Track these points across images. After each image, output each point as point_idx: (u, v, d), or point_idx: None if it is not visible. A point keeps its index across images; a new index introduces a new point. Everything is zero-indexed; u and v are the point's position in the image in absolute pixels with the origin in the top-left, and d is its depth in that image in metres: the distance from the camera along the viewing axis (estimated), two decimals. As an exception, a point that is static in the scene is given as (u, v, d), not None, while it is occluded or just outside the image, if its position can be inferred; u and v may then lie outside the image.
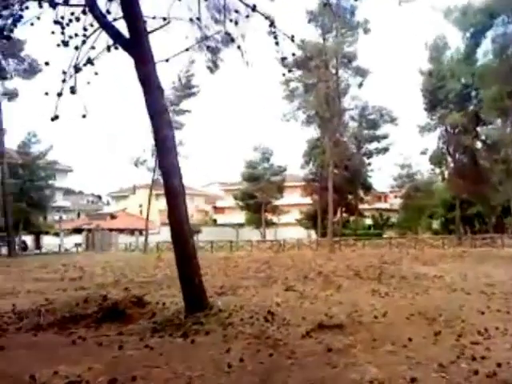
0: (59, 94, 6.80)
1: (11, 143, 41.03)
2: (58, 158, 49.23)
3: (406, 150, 55.47)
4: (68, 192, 77.64)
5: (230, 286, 12.28)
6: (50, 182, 44.03)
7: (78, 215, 76.18)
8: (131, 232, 51.18)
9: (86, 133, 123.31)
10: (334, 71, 38.21)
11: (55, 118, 6.82)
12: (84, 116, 6.93)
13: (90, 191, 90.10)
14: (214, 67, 12.92)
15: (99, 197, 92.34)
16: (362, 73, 41.09)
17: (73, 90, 6.77)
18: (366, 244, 35.66)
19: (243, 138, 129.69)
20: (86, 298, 8.44)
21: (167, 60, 7.96)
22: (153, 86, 7.18)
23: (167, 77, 40.69)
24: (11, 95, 36.77)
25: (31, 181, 39.96)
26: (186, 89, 40.58)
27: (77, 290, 12.56)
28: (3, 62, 35.41)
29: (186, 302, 7.53)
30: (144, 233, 41.58)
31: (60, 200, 74.01)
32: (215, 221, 76.78)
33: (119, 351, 5.75)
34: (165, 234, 47.75)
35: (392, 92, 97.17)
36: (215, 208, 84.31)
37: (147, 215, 40.40)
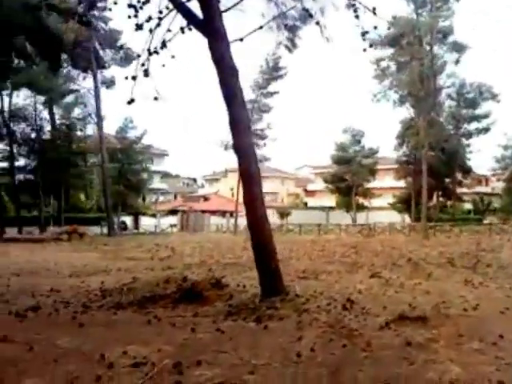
0: (133, 78, 6.87)
1: (110, 129, 43.47)
2: (153, 143, 51.50)
3: (511, 130, 51.57)
4: (165, 175, 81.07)
5: (313, 270, 12.06)
6: (146, 165, 46.09)
7: (175, 197, 79.22)
8: (222, 214, 52.36)
9: (181, 117, 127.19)
10: (428, 48, 36.07)
11: (131, 101, 6.91)
12: (156, 98, 6.96)
13: (186, 174, 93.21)
14: (292, 46, 12.54)
15: (194, 180, 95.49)
16: (458, 48, 38.60)
17: (146, 73, 6.80)
18: (463, 230, 33.69)
19: (333, 120, 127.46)
20: (167, 279, 8.59)
21: (241, 39, 7.76)
22: (227, 66, 7.03)
23: (254, 60, 40.85)
24: (109, 83, 38.80)
25: (129, 164, 42.11)
26: (274, 71, 40.29)
27: (164, 269, 12.96)
28: (101, 52, 37.28)
29: (262, 287, 7.40)
30: (234, 215, 42.36)
31: (157, 183, 77.56)
32: (306, 204, 76.51)
33: (191, 333, 5.73)
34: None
35: (493, 67, 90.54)
36: (306, 191, 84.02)
37: (237, 198, 41.01)
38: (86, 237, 29.61)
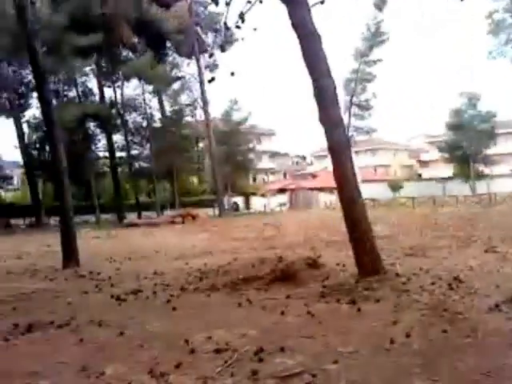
0: (211, 55, 6.70)
1: (216, 112, 44.43)
2: (259, 123, 51.94)
3: None
4: (274, 154, 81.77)
5: (422, 246, 11.31)
6: (252, 145, 46.60)
7: (284, 176, 79.71)
8: (331, 190, 51.58)
9: (287, 95, 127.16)
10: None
11: (212, 80, 6.76)
12: (232, 74, 6.73)
13: (295, 153, 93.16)
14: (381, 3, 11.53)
15: (304, 157, 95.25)
16: None
17: (223, 49, 6.59)
18: None
19: (446, 85, 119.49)
20: (263, 259, 8.45)
21: (322, 2, 7.24)
22: (307, 31, 6.60)
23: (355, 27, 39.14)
24: (212, 67, 39.49)
25: (236, 146, 42.78)
26: (375, 37, 38.40)
27: (266, 249, 12.90)
28: (203, 36, 38.05)
29: (359, 266, 6.98)
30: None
31: (266, 162, 78.50)
32: (420, 175, 73.13)
33: (280, 316, 5.52)
34: (365, 192, 47.26)
35: None
36: (420, 162, 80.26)
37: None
38: (198, 219, 30.70)
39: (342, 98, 41.28)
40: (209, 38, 38.59)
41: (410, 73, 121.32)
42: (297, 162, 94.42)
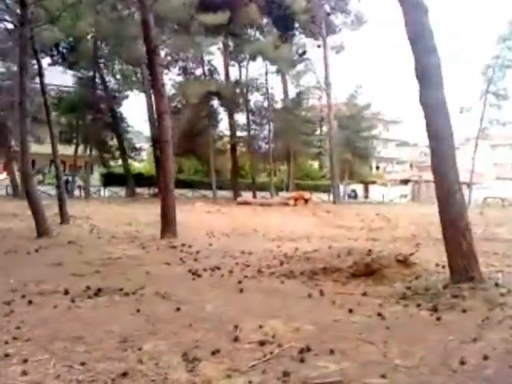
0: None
1: (340, 96, 43.20)
2: (385, 110, 49.70)
3: None
4: (401, 144, 78.33)
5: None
6: (375, 132, 44.67)
7: (411, 167, 76.13)
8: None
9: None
10: None
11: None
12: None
13: (425, 144, 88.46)
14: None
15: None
16: None
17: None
18: None
19: None
20: (351, 250, 7.89)
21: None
22: (413, 2, 5.87)
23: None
24: (338, 49, 38.39)
25: (357, 132, 41.32)
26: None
27: (367, 240, 12.26)
28: (332, 16, 37.06)
29: (451, 270, 6.18)
30: (471, 186, 38.55)
31: (392, 151, 75.47)
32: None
33: (347, 314, 5.06)
34: (497, 189, 43.29)
35: None
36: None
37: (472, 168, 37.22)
38: (310, 203, 30.36)
39: (479, 85, 38.03)
40: (337, 19, 37.47)
41: None
42: (425, 154, 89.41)
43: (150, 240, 10.84)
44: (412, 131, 71.92)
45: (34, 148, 23.16)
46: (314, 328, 4.53)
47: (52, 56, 34.58)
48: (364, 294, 5.93)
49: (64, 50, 34.79)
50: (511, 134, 67.02)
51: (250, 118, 38.20)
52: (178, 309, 5.05)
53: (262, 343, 4.03)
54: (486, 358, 3.79)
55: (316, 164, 52.26)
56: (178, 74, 38.53)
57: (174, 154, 12.48)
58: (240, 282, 6.43)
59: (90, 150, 34.78)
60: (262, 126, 39.56)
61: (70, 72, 36.45)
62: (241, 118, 39.20)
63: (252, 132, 38.75)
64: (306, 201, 30.47)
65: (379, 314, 5.00)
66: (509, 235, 13.68)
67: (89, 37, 32.11)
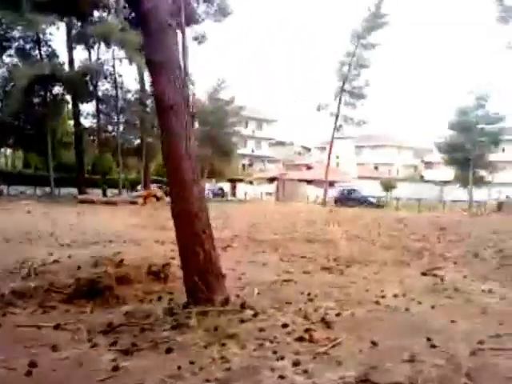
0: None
1: (201, 89, 40.92)
2: (260, 109, 48.63)
3: None
4: (277, 143, 79.16)
5: (351, 258, 8.98)
6: (238, 128, 42.90)
7: (283, 165, 77.12)
8: (321, 183, 49.06)
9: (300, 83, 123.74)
10: None
11: None
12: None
13: (301, 143, 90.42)
14: None
15: (308, 149, 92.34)
16: None
17: None
18: None
19: (454, 79, 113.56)
20: (96, 261, 6.16)
21: None
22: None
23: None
24: (200, 39, 36.63)
25: (219, 127, 39.63)
26: (375, 18, 35.39)
27: (162, 243, 10.52)
28: (195, 5, 35.25)
29: (186, 288, 4.71)
30: (336, 185, 39.06)
31: (266, 150, 75.97)
32: (422, 177, 70.21)
33: None
34: (359, 187, 44.68)
35: None
36: (424, 163, 77.15)
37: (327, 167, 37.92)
38: (162, 201, 28.43)
39: (333, 83, 38.23)
40: (200, 8, 35.70)
41: (418, 67, 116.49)
42: (299, 153, 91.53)
43: None
44: (288, 130, 72.61)
45: None
46: None
47: None
48: (57, 327, 4.20)
49: None
50: (375, 136, 70.56)
51: (100, 107, 35.11)
52: None
53: None
54: None
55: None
56: (10, 55, 34.40)
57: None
58: None
59: None
60: (111, 117, 36.39)
61: None
62: (90, 107, 36.04)
63: (102, 122, 35.61)
64: (158, 199, 28.54)
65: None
66: (329, 237, 12.54)
67: None
